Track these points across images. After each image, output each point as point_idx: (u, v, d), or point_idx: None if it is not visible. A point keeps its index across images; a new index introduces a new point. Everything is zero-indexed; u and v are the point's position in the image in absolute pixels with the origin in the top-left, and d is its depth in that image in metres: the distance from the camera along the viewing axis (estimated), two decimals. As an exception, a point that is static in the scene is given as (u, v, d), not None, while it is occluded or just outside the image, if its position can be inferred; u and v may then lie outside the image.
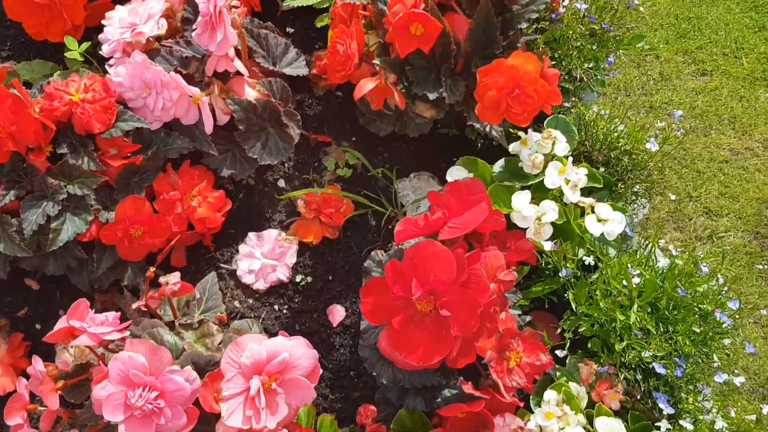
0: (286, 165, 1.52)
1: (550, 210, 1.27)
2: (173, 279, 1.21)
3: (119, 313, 1.07)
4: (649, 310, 1.20)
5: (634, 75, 2.30)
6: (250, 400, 1.04)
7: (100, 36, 1.39)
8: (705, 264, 1.22)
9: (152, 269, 1.16)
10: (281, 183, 1.51)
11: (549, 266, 1.31)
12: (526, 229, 1.29)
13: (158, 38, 1.37)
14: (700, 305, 1.19)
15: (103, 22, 1.39)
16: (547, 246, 1.24)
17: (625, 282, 1.20)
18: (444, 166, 1.55)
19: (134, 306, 1.15)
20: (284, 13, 1.62)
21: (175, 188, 1.30)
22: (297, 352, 1.07)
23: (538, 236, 1.27)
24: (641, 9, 2.36)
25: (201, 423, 1.12)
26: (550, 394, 1.18)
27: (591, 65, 1.45)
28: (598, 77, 1.47)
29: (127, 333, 1.04)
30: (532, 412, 1.22)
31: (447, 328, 1.04)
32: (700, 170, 2.13)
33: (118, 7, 1.40)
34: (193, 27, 1.31)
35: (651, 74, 2.29)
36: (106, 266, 1.28)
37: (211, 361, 1.12)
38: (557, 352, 1.27)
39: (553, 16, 1.42)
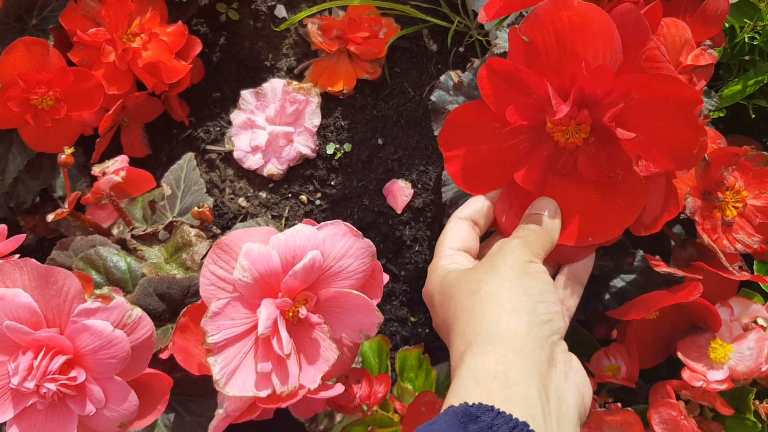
0: (283, -17, 1.02)
1: (747, -63, 0.74)
2: (115, 164, 0.74)
3: (3, 227, 0.62)
4: None
5: None
6: (263, 345, 0.58)
7: None
8: None
9: (68, 150, 0.69)
10: (280, 11, 1.01)
11: (751, 47, 0.78)
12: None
13: None
14: None
15: None
16: (766, -11, 0.71)
17: None
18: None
19: (50, 217, 0.69)
20: None
21: (99, 22, 0.81)
22: (336, 245, 0.60)
23: (732, -12, 0.74)
24: None
25: (190, 394, 0.68)
26: (808, 257, 0.68)
27: None
28: None
29: (15, 257, 0.59)
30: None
31: (627, 166, 0.54)
32: None
33: None
34: None
35: None
36: (17, 168, 0.83)
37: (191, 287, 0.67)
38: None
39: None
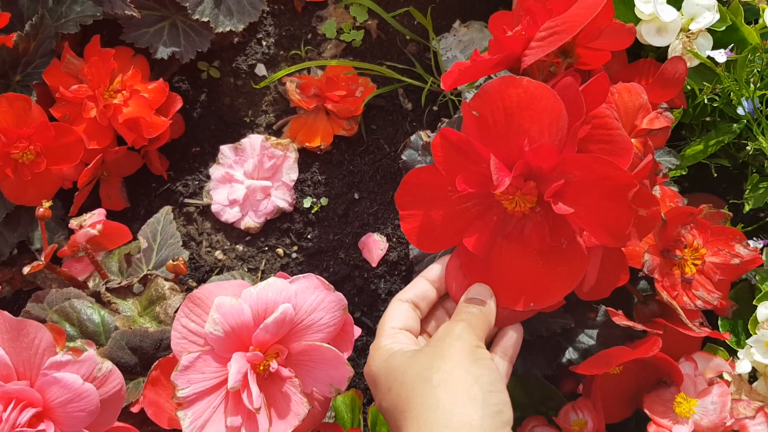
0: (263, 43, 1.06)
1: (703, 9, 0.79)
2: (92, 218, 0.76)
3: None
4: None
5: None
6: (233, 398, 0.59)
7: None
8: None
9: (46, 204, 0.72)
10: (261, 70, 1.05)
11: (712, 108, 0.83)
12: (663, 50, 0.81)
13: None
14: None
15: None
16: (719, 56, 0.75)
17: None
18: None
19: (26, 269, 0.71)
20: None
21: (81, 79, 0.85)
22: (308, 299, 0.62)
23: (689, 55, 0.79)
24: None
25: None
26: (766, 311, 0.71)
27: None
28: None
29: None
30: (734, 347, 0.75)
31: (570, 236, 0.56)
32: None
33: None
34: None
35: None
36: (-4, 220, 0.85)
37: (164, 340, 0.68)
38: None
39: None
